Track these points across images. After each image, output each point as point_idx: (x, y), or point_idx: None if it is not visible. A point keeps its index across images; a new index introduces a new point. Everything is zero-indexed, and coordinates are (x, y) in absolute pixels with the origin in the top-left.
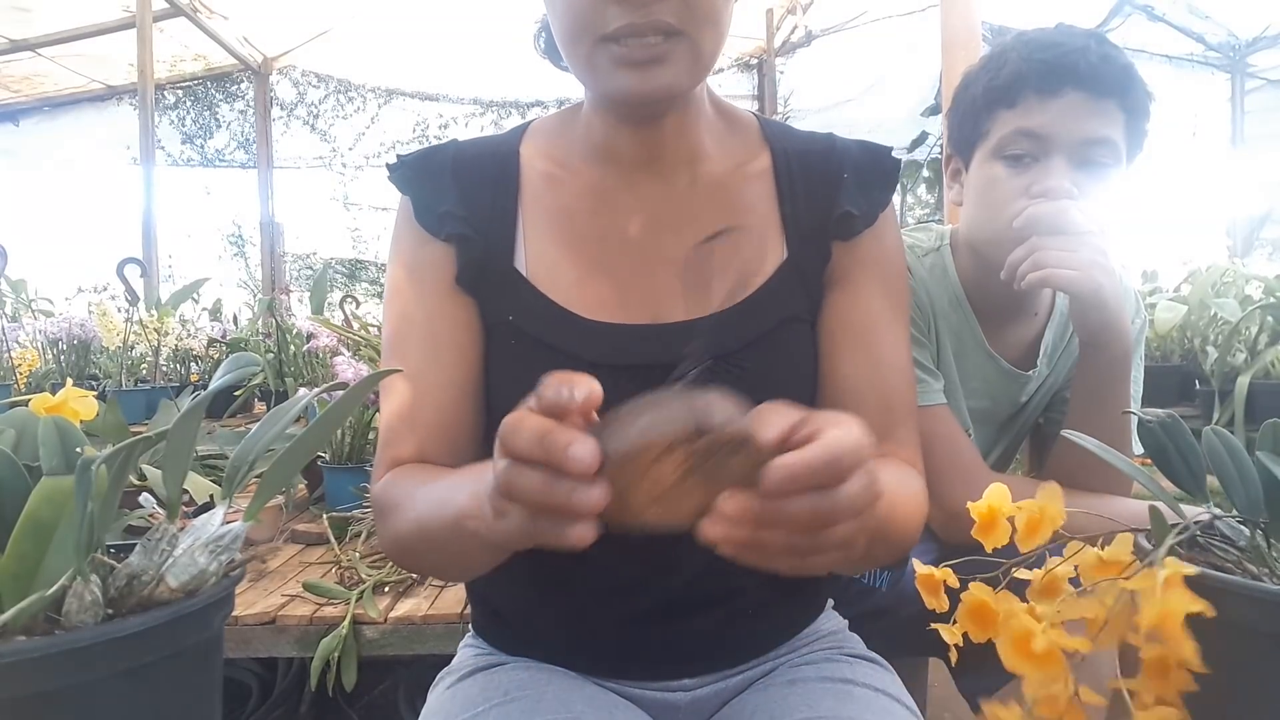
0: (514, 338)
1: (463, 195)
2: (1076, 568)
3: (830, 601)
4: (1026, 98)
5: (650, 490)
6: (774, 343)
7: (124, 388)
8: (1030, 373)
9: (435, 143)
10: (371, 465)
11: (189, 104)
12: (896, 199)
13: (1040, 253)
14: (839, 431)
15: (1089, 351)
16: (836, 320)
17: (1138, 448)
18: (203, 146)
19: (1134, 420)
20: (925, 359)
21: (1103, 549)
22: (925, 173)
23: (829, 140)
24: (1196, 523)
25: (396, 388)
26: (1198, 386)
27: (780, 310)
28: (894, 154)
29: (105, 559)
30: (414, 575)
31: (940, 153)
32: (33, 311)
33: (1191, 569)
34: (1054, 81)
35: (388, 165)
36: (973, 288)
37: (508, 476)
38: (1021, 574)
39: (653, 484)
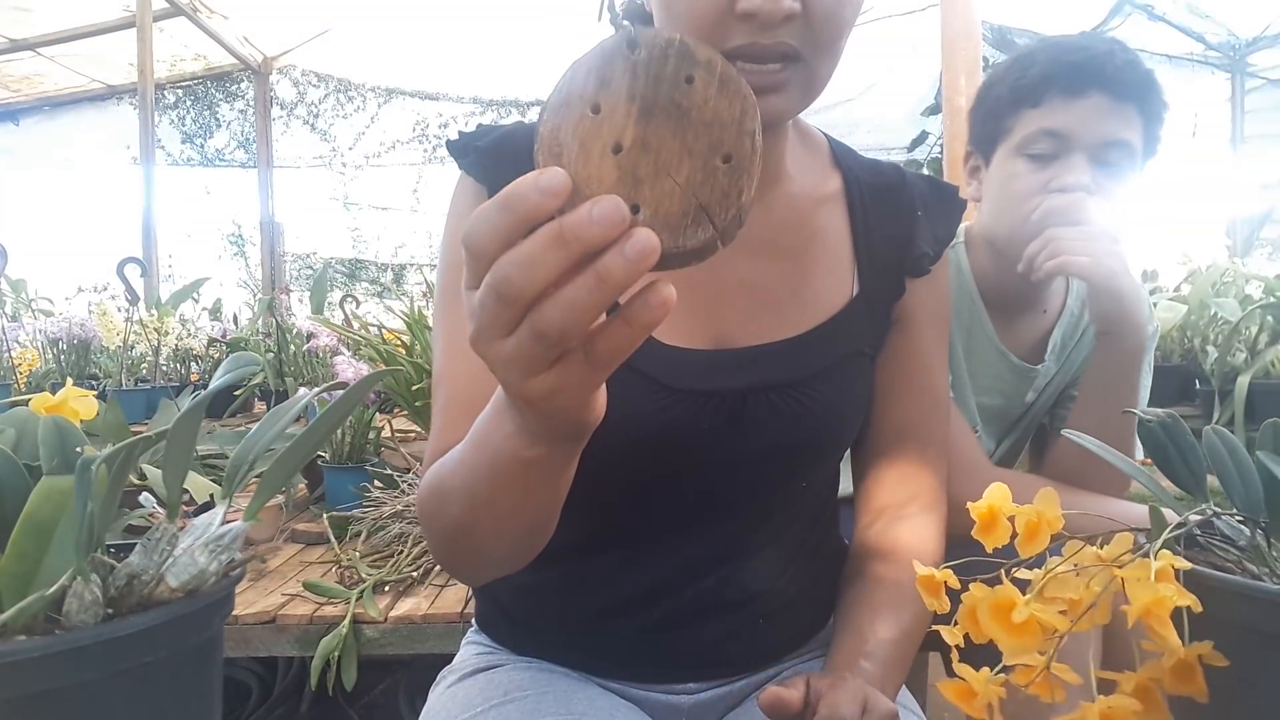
0: None
1: None
2: (1075, 567)
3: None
4: (1052, 98)
5: (610, 159)
6: (840, 374)
7: (124, 387)
8: (1038, 367)
9: (435, 143)
10: (371, 464)
11: (189, 104)
12: None
13: (1056, 242)
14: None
15: (1104, 341)
16: (898, 362)
17: (1139, 452)
18: (203, 146)
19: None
20: None
21: (1101, 548)
22: (925, 172)
23: (899, 173)
24: (1196, 521)
25: (453, 375)
26: (1198, 386)
27: (848, 344)
28: (894, 154)
29: (105, 559)
30: (414, 575)
31: (940, 152)
32: (33, 311)
33: (1185, 563)
34: (1080, 83)
35: (450, 145)
36: (987, 283)
37: (505, 272)
38: (1022, 574)
39: (605, 140)
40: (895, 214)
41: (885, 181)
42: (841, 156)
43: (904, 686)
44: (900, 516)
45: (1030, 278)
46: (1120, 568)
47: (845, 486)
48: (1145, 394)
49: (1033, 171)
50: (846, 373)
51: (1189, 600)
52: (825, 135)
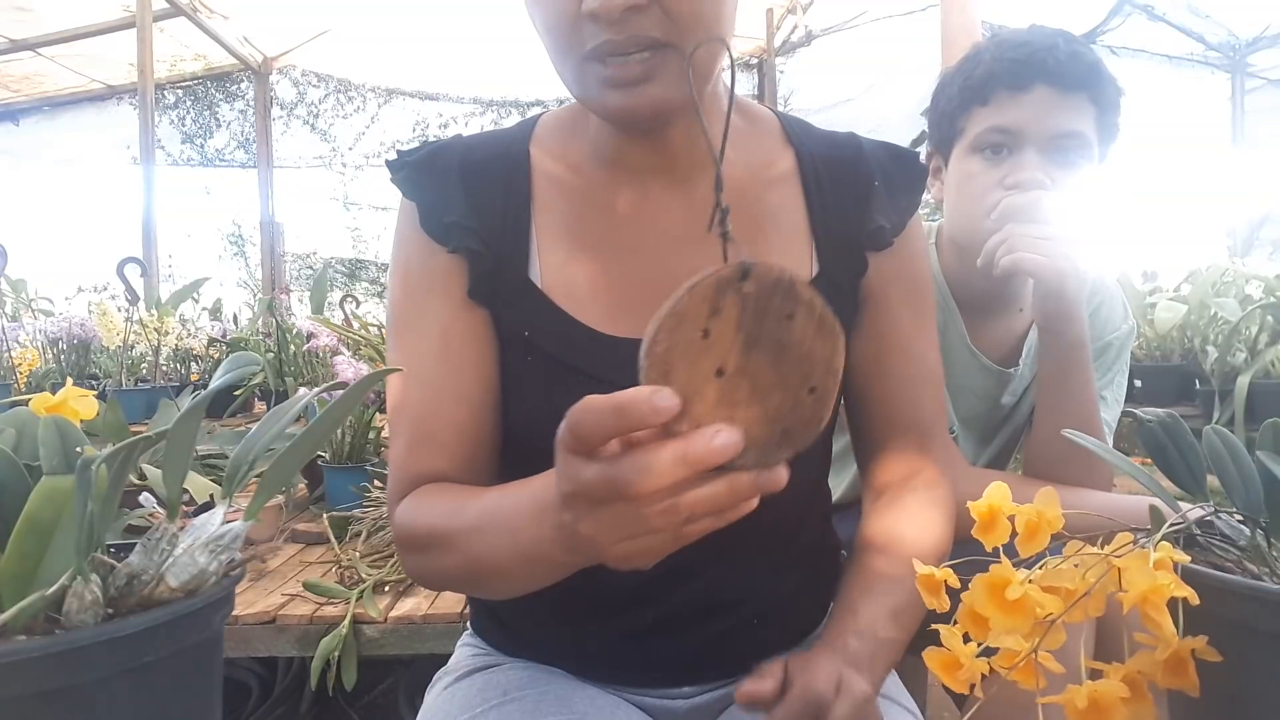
0: (530, 353)
1: (472, 203)
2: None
3: (831, 605)
4: (999, 95)
5: (713, 381)
6: None
7: (124, 387)
8: (1012, 370)
9: (442, 137)
10: (371, 464)
11: (189, 104)
12: None
13: (1013, 239)
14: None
15: (1045, 336)
16: (873, 339)
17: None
18: (203, 146)
19: (1100, 411)
20: None
21: (1102, 547)
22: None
23: (855, 144)
24: (1195, 519)
25: (411, 404)
26: (1198, 386)
27: None
28: None
29: (105, 559)
30: None
31: None
32: (33, 311)
33: (1184, 556)
34: (1025, 78)
35: (388, 163)
36: (956, 283)
37: (626, 476)
38: (1022, 574)
39: (711, 363)
40: (851, 187)
41: (841, 155)
42: (794, 133)
43: (903, 687)
44: (900, 496)
45: (991, 273)
46: (1118, 558)
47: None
48: (1121, 392)
49: (987, 169)
50: None
51: (1186, 592)
52: (777, 113)
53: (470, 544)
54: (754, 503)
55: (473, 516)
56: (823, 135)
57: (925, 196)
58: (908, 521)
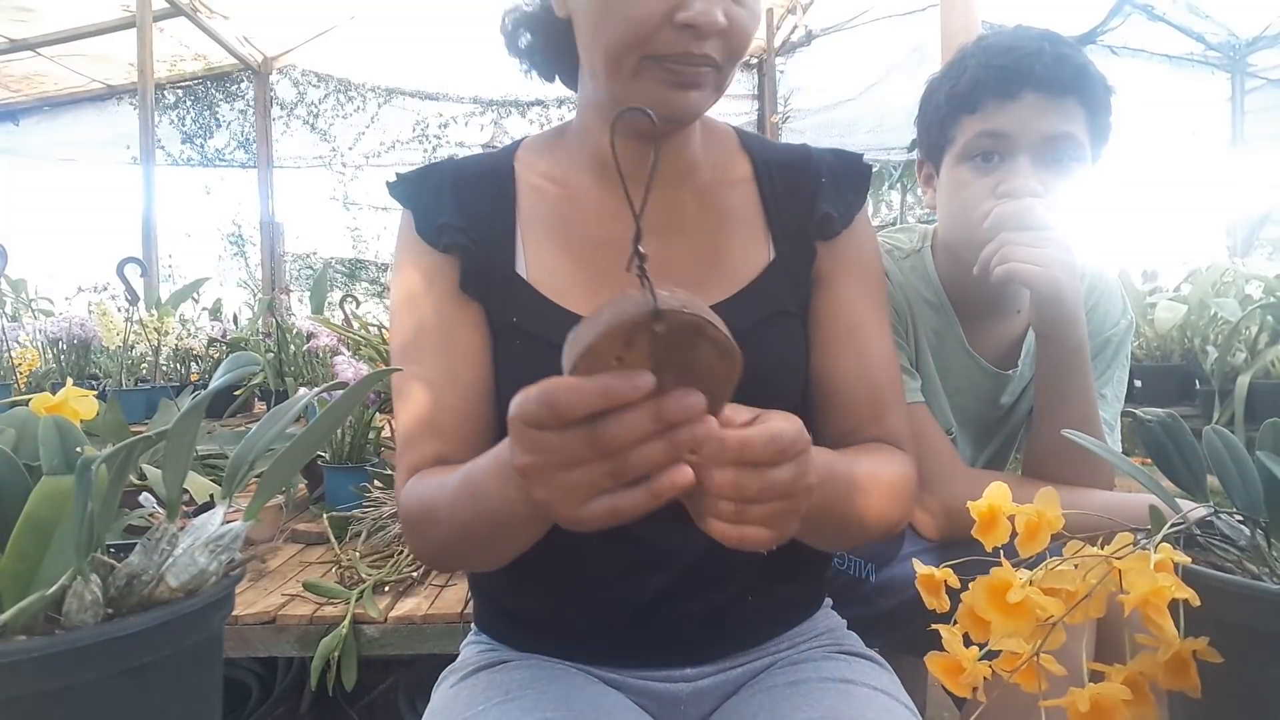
0: (519, 338)
1: (461, 208)
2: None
3: (829, 601)
4: (987, 102)
5: None
6: (763, 335)
7: (124, 387)
8: (1011, 372)
9: (435, 143)
10: (371, 464)
11: (189, 104)
12: (896, 199)
13: (1007, 247)
14: (782, 424)
15: (1043, 343)
16: (825, 319)
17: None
18: (203, 146)
19: (1100, 411)
20: (903, 360)
21: (1102, 548)
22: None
23: (805, 150)
24: (1196, 519)
25: (413, 394)
26: (1198, 386)
27: (769, 304)
28: (894, 154)
29: (105, 559)
30: (414, 575)
31: None
32: (33, 311)
33: (1184, 558)
34: (1012, 85)
35: (389, 185)
36: (953, 287)
37: (610, 430)
38: (1022, 573)
39: None
40: (801, 184)
41: (791, 158)
42: (749, 143)
43: (902, 686)
44: (858, 447)
45: (987, 281)
46: (1119, 559)
47: None
48: (1122, 388)
49: (979, 177)
50: (771, 332)
51: (1187, 593)
52: (734, 128)
53: (451, 513)
54: (686, 476)
55: (452, 487)
56: (777, 145)
57: (920, 195)
58: (866, 451)
